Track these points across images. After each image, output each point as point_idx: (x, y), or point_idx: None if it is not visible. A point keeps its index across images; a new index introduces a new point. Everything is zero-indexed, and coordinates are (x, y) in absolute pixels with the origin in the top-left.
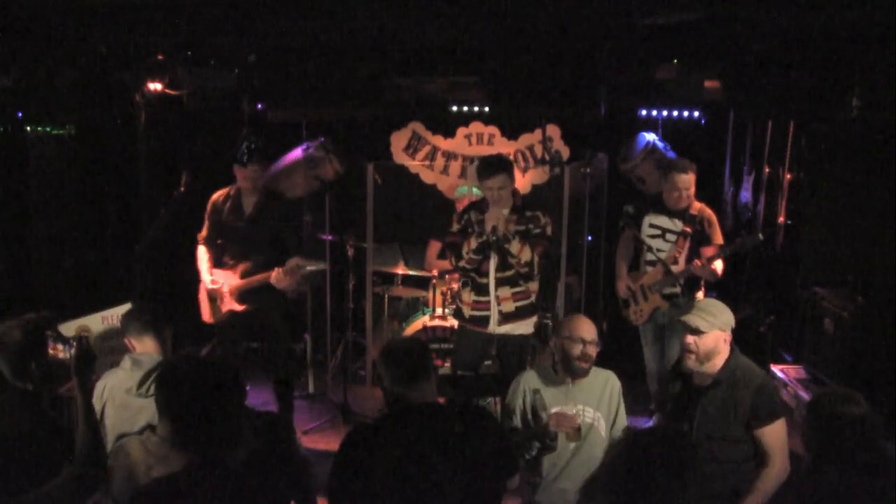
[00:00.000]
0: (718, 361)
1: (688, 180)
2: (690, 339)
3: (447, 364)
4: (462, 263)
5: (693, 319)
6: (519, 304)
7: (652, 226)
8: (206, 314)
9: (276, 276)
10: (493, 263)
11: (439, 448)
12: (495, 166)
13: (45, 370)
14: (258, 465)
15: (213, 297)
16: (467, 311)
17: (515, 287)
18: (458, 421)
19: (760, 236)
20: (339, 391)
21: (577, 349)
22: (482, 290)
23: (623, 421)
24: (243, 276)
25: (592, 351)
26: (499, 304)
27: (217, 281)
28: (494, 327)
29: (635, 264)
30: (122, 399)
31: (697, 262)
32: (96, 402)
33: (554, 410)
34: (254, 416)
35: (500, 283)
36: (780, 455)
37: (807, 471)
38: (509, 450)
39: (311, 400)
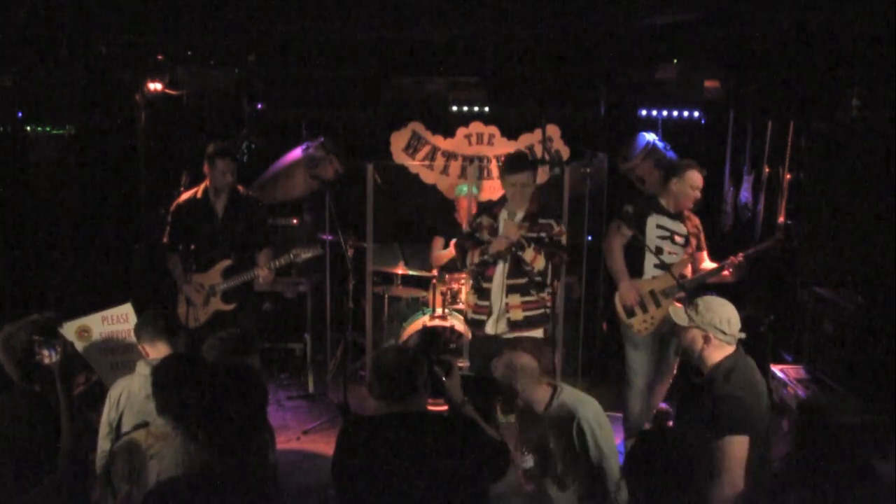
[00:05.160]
0: (707, 357)
1: (701, 179)
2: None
3: None
4: (466, 270)
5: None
6: (529, 313)
7: (660, 227)
8: (188, 320)
9: (265, 275)
10: (499, 269)
11: (417, 456)
12: (522, 162)
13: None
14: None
15: (193, 302)
16: (469, 314)
17: (527, 296)
18: (439, 430)
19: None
20: (339, 391)
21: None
22: (483, 294)
23: (608, 450)
24: (225, 274)
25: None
26: (507, 312)
27: (202, 286)
28: (495, 333)
29: (637, 269)
30: (141, 406)
31: (734, 259)
32: (112, 410)
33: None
34: None
35: (510, 290)
36: (728, 474)
37: (785, 473)
38: (494, 456)
39: (311, 400)
